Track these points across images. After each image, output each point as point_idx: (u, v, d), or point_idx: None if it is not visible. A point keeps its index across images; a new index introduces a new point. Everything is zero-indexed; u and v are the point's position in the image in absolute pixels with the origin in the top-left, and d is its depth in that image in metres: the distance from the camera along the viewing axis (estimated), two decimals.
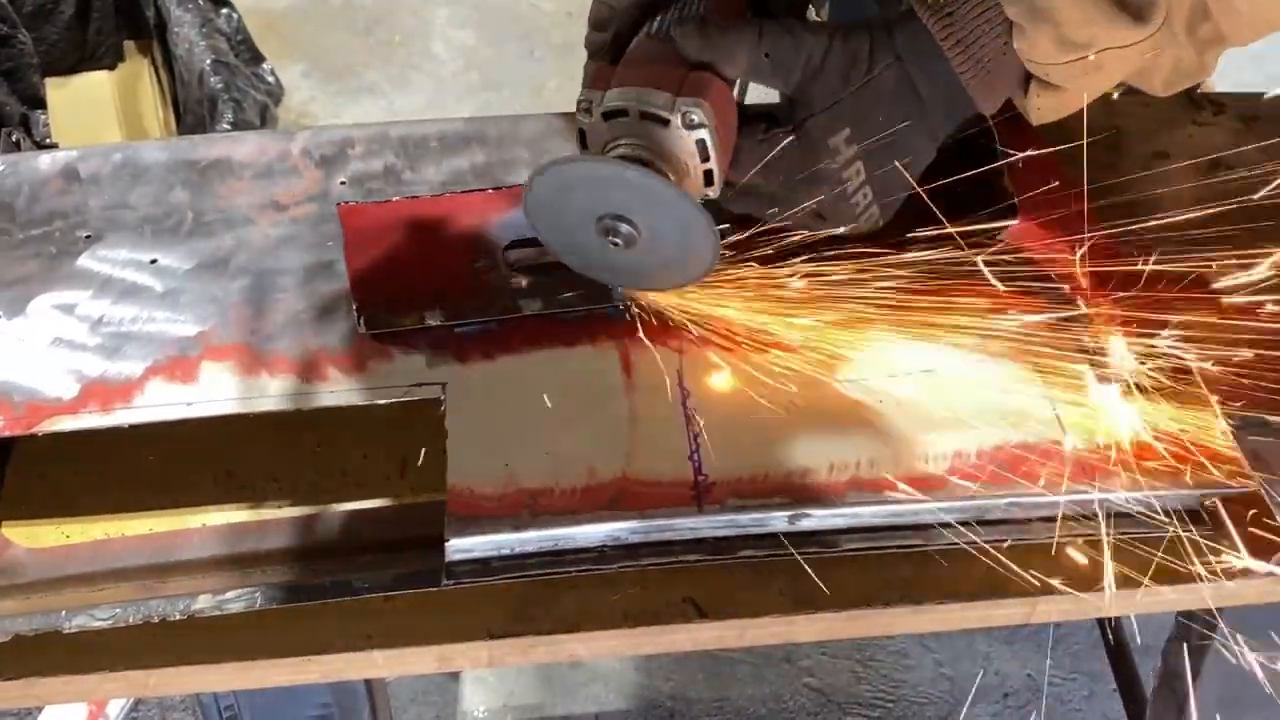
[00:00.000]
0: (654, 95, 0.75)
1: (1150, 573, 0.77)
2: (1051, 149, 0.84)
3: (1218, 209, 0.84)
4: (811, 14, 0.92)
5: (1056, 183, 0.84)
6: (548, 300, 0.85)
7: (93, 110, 2.12)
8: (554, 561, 0.75)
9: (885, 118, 0.76)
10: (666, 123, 0.75)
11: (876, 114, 0.76)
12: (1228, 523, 0.77)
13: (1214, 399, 0.78)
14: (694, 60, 0.76)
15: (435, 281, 0.86)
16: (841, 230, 0.80)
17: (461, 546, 0.74)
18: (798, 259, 0.82)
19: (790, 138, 0.78)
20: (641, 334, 0.83)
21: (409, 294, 0.85)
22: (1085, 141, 0.77)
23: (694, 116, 0.74)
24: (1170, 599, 0.78)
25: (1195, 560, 0.78)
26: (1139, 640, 1.00)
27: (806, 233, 0.81)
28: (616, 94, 0.75)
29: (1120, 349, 0.82)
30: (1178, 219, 0.84)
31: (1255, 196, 0.83)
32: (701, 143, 0.75)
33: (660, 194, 0.73)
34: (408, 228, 0.88)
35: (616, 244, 0.75)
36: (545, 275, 0.86)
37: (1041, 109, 0.76)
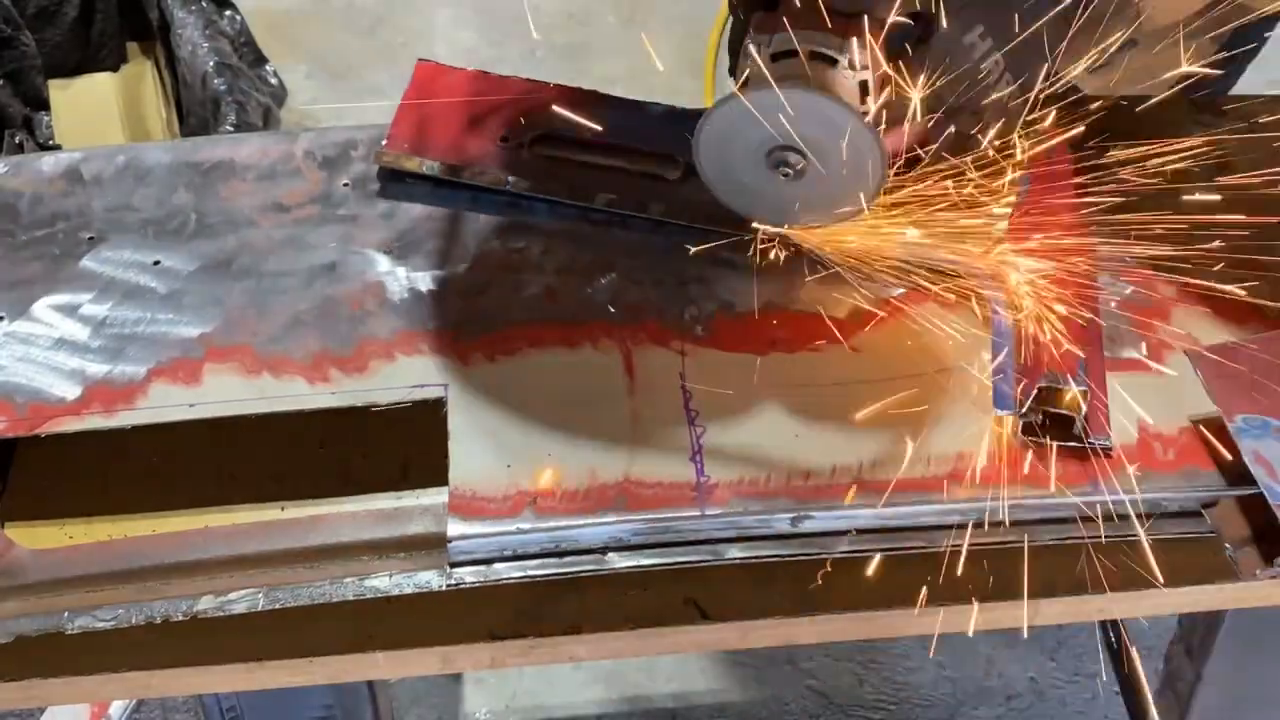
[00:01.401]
0: (825, 37, 0.78)
1: (1152, 574, 0.77)
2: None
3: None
4: None
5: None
6: (536, 185, 0.90)
7: (96, 112, 2.12)
8: (556, 563, 0.75)
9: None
10: (835, 63, 0.78)
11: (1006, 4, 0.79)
12: (1229, 524, 0.77)
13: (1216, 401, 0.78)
14: (848, 10, 0.79)
15: (458, 142, 0.93)
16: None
17: (464, 547, 0.74)
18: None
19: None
20: (643, 336, 0.83)
21: (431, 145, 0.92)
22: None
23: (859, 59, 0.78)
24: (1172, 601, 0.78)
25: (1198, 562, 0.78)
26: (1141, 642, 1.00)
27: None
28: (787, 36, 0.78)
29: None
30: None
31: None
32: (864, 84, 0.78)
33: (834, 115, 0.76)
34: (466, 93, 0.97)
35: (788, 174, 0.78)
36: (549, 172, 0.92)
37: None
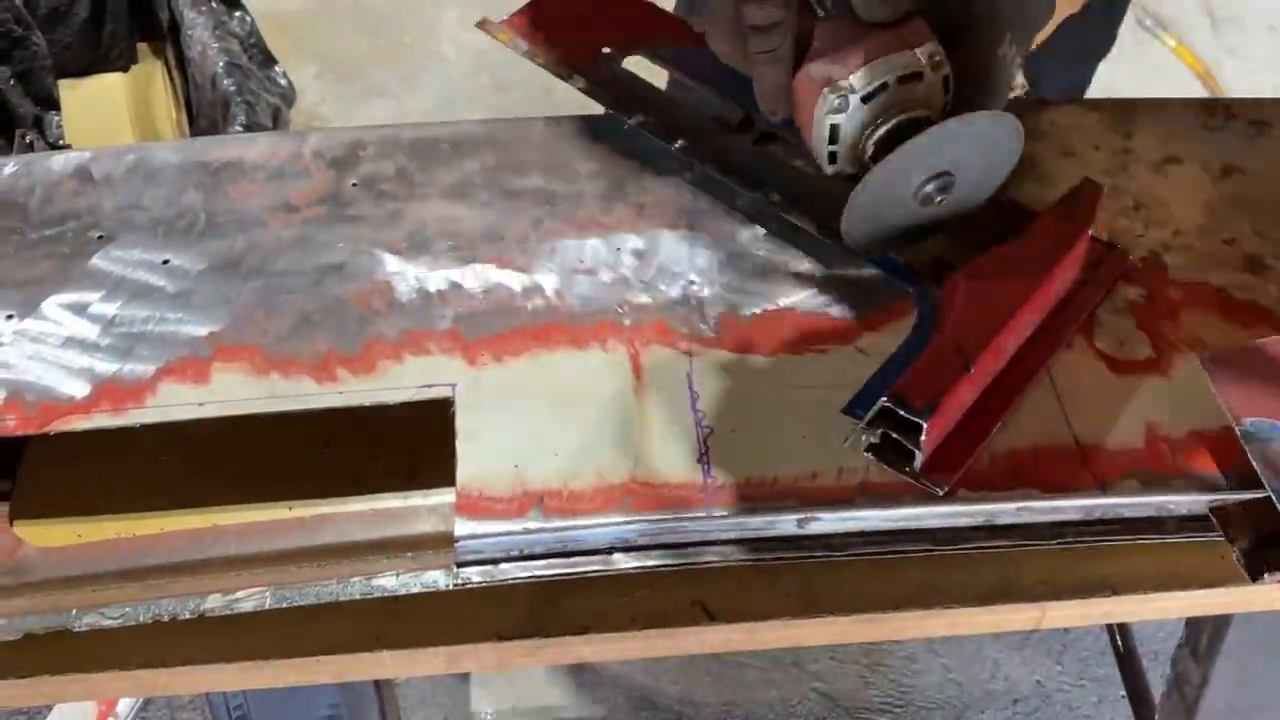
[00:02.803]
0: (903, 56, 0.77)
1: (1159, 578, 0.77)
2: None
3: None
4: None
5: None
6: (616, 104, 0.94)
7: (106, 112, 2.13)
8: (563, 563, 0.75)
9: (1031, 12, 0.82)
10: (921, 76, 0.78)
11: (1027, 9, 0.81)
12: (1235, 528, 0.77)
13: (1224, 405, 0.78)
14: (891, 18, 0.79)
15: (566, 43, 0.97)
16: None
17: (471, 547, 0.74)
18: None
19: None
20: (651, 336, 0.83)
21: (541, 39, 0.97)
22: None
23: (938, 57, 0.78)
24: (1179, 604, 0.78)
25: (1205, 566, 0.78)
26: (1147, 646, 1.00)
27: None
28: (868, 72, 0.78)
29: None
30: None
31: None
32: (947, 79, 0.79)
33: (980, 129, 0.77)
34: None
35: (941, 200, 0.80)
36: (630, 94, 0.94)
37: None
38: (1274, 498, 0.74)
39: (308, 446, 0.84)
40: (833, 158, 0.83)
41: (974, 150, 0.79)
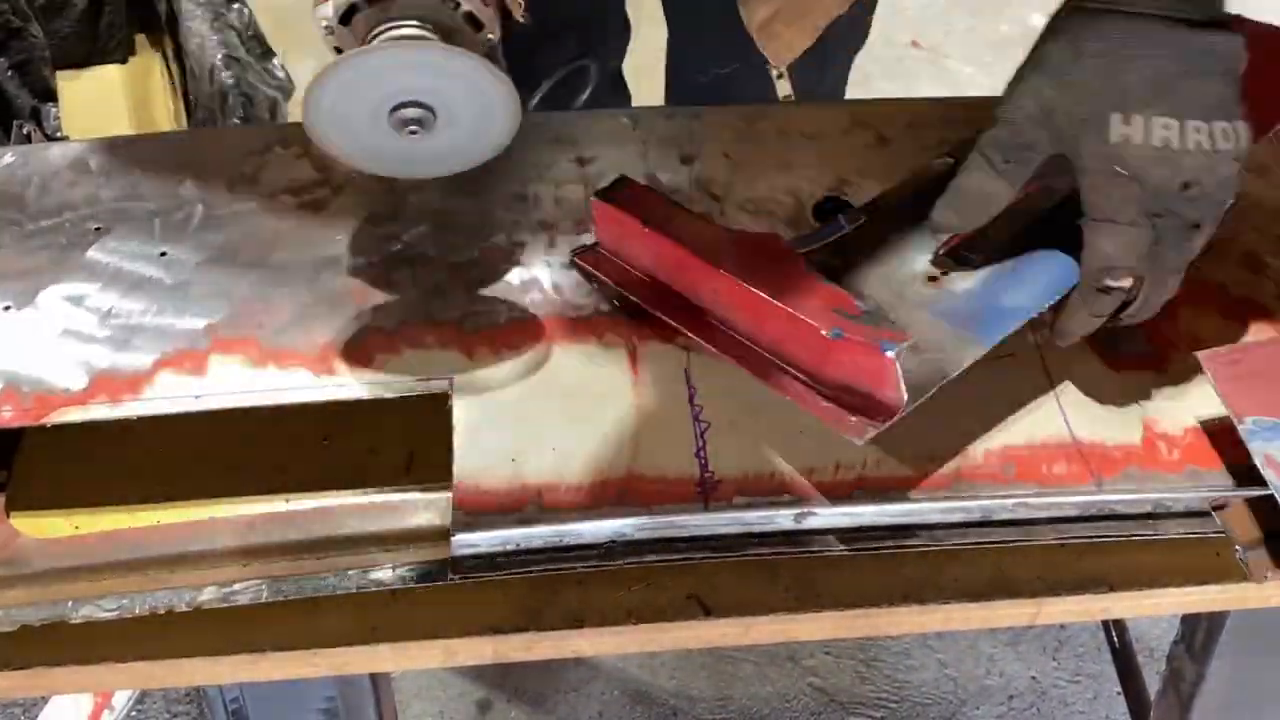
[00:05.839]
0: None
1: (1155, 574, 0.77)
2: None
3: None
4: None
5: None
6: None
7: (103, 103, 2.13)
8: (559, 557, 0.75)
9: None
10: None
11: None
12: (1235, 525, 0.77)
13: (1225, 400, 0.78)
14: None
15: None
16: None
17: (467, 541, 0.74)
18: None
19: None
20: (649, 330, 0.83)
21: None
22: None
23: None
24: (1175, 601, 0.78)
25: (1201, 563, 0.78)
26: (1143, 643, 1.00)
27: None
28: None
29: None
30: None
31: None
32: (470, 15, 0.72)
33: (439, 62, 0.69)
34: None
35: (415, 132, 0.71)
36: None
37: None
38: (1277, 496, 0.74)
39: (305, 439, 0.84)
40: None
41: (463, 97, 0.70)
